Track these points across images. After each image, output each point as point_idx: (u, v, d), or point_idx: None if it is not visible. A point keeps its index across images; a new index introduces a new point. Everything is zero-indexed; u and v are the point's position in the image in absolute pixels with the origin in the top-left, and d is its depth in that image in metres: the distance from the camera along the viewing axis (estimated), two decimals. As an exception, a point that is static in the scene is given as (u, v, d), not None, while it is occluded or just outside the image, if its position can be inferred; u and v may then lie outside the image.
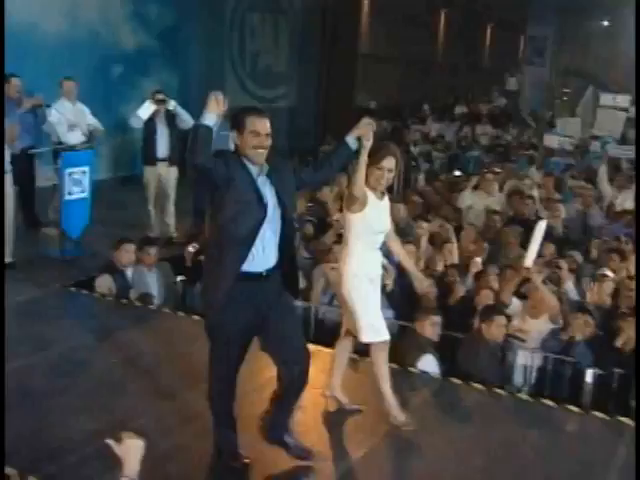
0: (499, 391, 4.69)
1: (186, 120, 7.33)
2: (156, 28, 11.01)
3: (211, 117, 3.11)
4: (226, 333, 3.31)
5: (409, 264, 4.30)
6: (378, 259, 4.03)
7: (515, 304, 5.52)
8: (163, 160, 7.43)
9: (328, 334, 5.61)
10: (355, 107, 16.75)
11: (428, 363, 4.94)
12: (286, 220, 3.34)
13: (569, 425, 4.39)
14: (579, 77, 16.10)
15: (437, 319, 5.06)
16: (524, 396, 4.75)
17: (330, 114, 15.10)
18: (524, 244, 6.90)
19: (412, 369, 4.82)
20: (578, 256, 6.72)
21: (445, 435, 4.05)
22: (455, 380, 4.73)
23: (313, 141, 13.76)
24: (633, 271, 5.93)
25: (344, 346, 4.19)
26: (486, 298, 5.48)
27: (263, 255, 3.28)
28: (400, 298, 5.70)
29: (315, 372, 4.24)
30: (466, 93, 18.34)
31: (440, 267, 6.16)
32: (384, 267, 4.43)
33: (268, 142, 3.24)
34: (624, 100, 10.65)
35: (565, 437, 4.23)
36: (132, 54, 10.68)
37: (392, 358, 4.88)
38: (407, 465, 3.82)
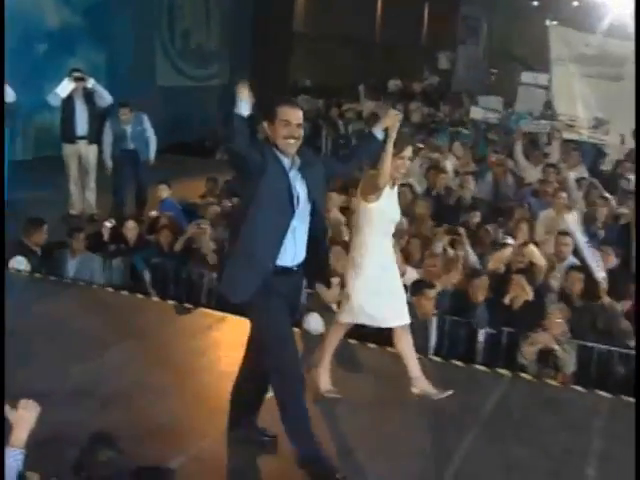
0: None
1: (105, 98, 7.41)
2: (81, 5, 10.91)
3: (245, 106, 3.08)
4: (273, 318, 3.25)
5: None
6: (390, 246, 4.12)
7: (410, 273, 5.79)
8: (82, 138, 7.50)
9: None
10: (290, 85, 16.94)
11: (313, 321, 5.18)
12: (316, 214, 3.31)
13: (457, 377, 4.70)
14: (507, 57, 16.56)
15: (335, 280, 5.30)
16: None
17: (265, 93, 15.22)
18: (435, 217, 7.31)
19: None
20: (489, 226, 7.04)
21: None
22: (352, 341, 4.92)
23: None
24: (527, 238, 6.31)
25: (338, 334, 4.21)
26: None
27: (294, 249, 3.25)
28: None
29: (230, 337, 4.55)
30: (400, 71, 18.61)
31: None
32: None
33: (300, 132, 3.22)
34: (544, 79, 11.01)
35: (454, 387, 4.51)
36: (57, 32, 10.57)
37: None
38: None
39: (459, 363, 4.94)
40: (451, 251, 5.97)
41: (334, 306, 5.06)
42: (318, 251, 3.38)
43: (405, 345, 4.14)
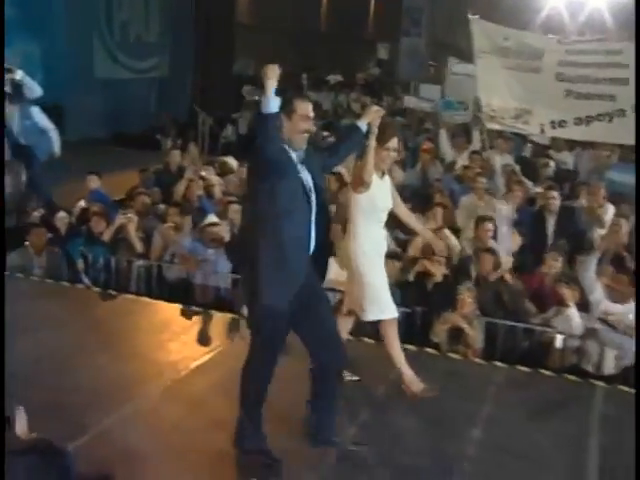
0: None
1: (34, 90, 7.43)
2: (15, -5, 10.82)
3: (276, 102, 3.02)
4: (276, 325, 3.27)
5: (420, 228, 4.56)
6: (383, 235, 4.20)
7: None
8: (11, 130, 7.51)
9: (168, 290, 6.09)
10: (234, 76, 17.03)
11: None
12: (322, 205, 3.36)
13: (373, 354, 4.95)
14: (446, 48, 16.91)
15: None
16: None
17: (208, 84, 15.30)
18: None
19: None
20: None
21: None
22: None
23: (188, 112, 13.91)
24: (441, 223, 6.63)
25: (343, 326, 4.23)
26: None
27: (311, 242, 3.32)
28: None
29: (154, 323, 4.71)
30: (344, 62, 18.87)
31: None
32: None
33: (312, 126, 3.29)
34: (475, 69, 11.27)
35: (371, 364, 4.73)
36: (-11, 23, 10.47)
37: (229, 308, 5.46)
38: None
39: (370, 341, 5.21)
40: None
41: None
42: (324, 240, 3.61)
43: (391, 338, 4.23)
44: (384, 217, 4.15)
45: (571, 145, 9.98)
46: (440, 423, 3.96)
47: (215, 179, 7.80)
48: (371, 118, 3.72)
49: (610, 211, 7.38)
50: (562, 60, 8.39)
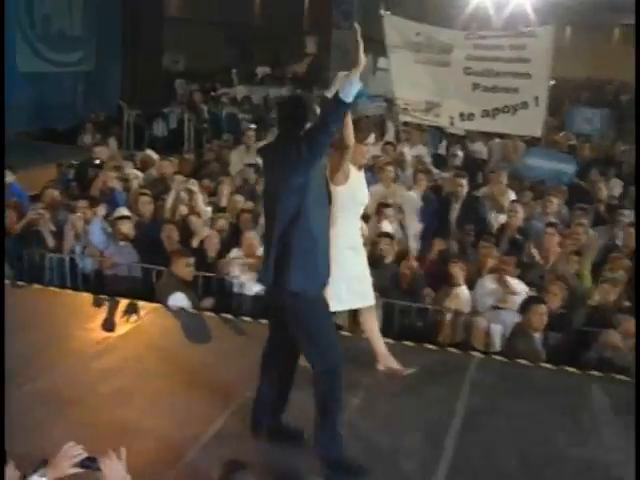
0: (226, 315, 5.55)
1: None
2: None
3: (357, 86, 3.18)
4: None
5: None
6: (358, 228, 4.32)
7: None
8: None
9: (84, 281, 6.25)
10: (164, 70, 17.04)
11: (178, 299, 5.64)
12: None
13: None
14: (373, 42, 17.22)
15: (190, 260, 5.77)
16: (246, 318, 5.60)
17: (137, 78, 15.27)
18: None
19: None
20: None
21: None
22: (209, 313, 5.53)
23: (117, 106, 13.88)
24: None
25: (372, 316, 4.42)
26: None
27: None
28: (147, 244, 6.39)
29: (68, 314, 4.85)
30: (274, 55, 19.06)
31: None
32: None
33: None
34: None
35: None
36: None
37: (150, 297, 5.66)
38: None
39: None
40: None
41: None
42: None
43: (371, 325, 4.43)
44: (361, 209, 4.29)
45: (490, 136, 10.46)
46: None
47: (132, 173, 7.94)
48: (340, 84, 3.73)
49: (510, 197, 7.84)
50: (470, 55, 8.80)
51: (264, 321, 5.41)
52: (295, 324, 3.46)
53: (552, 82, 8.88)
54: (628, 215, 7.70)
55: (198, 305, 5.70)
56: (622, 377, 4.73)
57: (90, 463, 2.40)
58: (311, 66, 18.90)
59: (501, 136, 10.22)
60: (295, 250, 3.35)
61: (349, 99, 3.19)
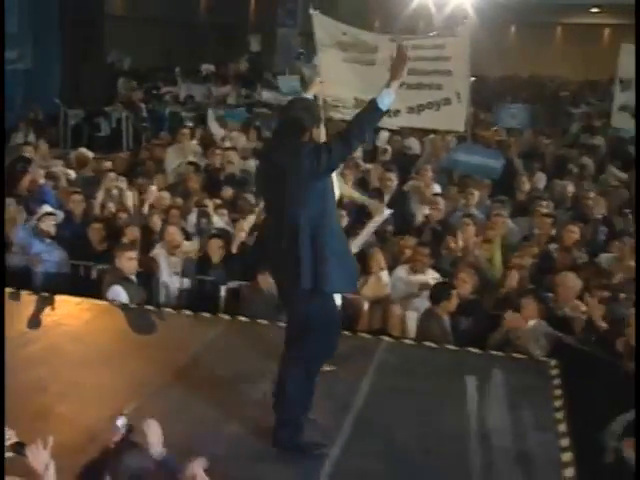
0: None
1: None
2: None
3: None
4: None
5: None
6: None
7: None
8: None
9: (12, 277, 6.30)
10: (107, 69, 16.98)
11: (116, 293, 5.75)
12: None
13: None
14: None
15: (133, 254, 5.87)
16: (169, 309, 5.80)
17: (78, 76, 15.17)
18: (207, 189, 8.04)
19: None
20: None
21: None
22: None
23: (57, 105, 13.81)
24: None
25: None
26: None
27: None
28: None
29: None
30: (217, 54, 19.15)
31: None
32: None
33: None
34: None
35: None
36: None
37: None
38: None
39: (207, 314, 5.68)
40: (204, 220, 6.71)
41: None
42: None
43: None
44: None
45: (427, 132, 10.78)
46: (242, 378, 4.52)
47: (61, 171, 8.00)
48: (316, 90, 4.00)
49: (435, 190, 8.16)
50: (393, 55, 9.04)
51: (188, 312, 5.71)
52: (314, 321, 3.61)
53: (473, 78, 9.21)
54: (547, 206, 8.10)
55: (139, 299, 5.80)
56: (522, 356, 5.04)
57: (20, 449, 2.53)
58: (255, 64, 19.04)
59: (435, 132, 10.54)
60: (329, 252, 3.48)
61: (385, 108, 3.43)
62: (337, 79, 9.34)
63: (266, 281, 5.50)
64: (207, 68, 17.75)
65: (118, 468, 2.46)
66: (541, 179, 9.59)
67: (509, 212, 7.91)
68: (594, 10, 29.12)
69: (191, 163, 8.61)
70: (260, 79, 17.30)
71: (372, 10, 26.29)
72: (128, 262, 5.80)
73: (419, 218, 7.64)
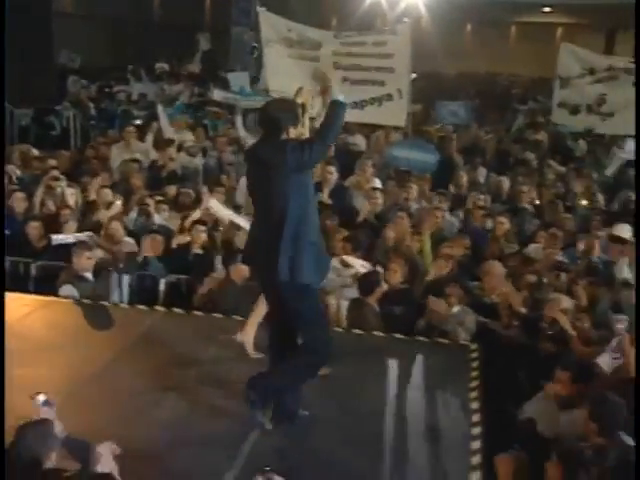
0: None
1: None
2: None
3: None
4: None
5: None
6: None
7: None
8: None
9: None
10: (59, 68, 16.84)
11: (68, 290, 5.85)
12: None
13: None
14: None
15: (90, 254, 5.93)
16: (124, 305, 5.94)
17: (28, 75, 15.01)
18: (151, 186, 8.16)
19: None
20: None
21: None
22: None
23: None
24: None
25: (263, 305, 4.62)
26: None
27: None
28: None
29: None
30: (171, 53, 19.12)
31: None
32: None
33: None
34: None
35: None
36: None
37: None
38: None
39: (143, 307, 5.81)
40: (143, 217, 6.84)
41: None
42: None
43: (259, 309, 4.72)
44: None
45: (374, 128, 10.99)
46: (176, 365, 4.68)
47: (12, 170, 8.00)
48: (304, 98, 4.07)
49: (375, 184, 8.36)
50: (337, 51, 9.26)
51: (125, 305, 5.84)
52: (295, 314, 3.83)
53: (414, 75, 9.44)
54: (484, 199, 8.39)
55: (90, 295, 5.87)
56: (445, 341, 5.26)
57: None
58: (209, 63, 19.05)
59: (383, 128, 10.76)
60: (306, 245, 3.67)
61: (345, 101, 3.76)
62: (283, 74, 9.52)
63: (239, 274, 5.71)
64: (161, 67, 17.71)
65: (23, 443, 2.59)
66: (482, 173, 9.88)
67: (448, 205, 8.17)
68: (546, 9, 29.70)
69: (133, 160, 8.68)
70: (214, 78, 17.32)
71: (328, 8, 26.52)
72: (87, 261, 5.88)
73: (362, 212, 7.82)
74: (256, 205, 3.96)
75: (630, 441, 3.30)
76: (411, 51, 8.84)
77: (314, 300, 3.92)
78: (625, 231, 6.65)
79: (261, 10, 9.58)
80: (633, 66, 10.31)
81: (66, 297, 5.77)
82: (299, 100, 4.06)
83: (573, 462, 3.25)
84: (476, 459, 3.78)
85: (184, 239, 6.41)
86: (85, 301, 5.76)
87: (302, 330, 3.95)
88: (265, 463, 2.89)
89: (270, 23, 9.55)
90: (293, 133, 3.79)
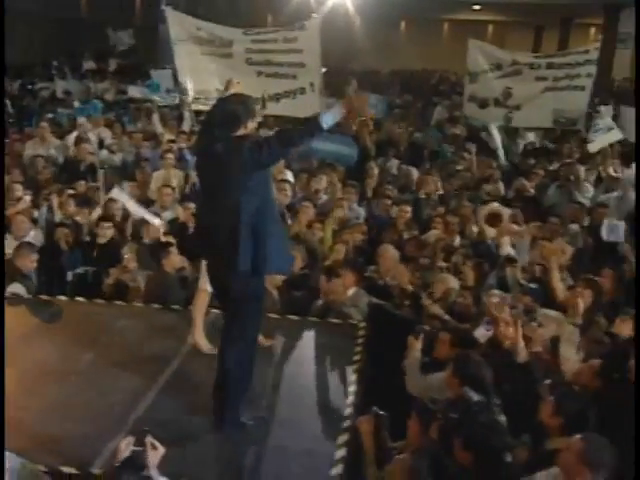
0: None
1: None
2: None
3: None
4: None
5: None
6: None
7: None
8: None
9: None
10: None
11: (16, 288, 5.83)
12: None
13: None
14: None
15: (34, 257, 5.98)
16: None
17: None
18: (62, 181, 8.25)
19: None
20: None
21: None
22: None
23: None
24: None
25: (203, 300, 4.82)
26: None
27: None
28: None
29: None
30: (97, 49, 19.01)
31: None
32: None
33: None
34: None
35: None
36: None
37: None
38: None
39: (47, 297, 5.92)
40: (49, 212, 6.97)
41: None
42: None
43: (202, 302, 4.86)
44: None
45: (290, 121, 11.21)
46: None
47: None
48: (236, 89, 4.16)
49: (286, 176, 8.63)
50: (249, 48, 9.53)
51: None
52: (246, 305, 3.90)
53: (324, 69, 9.73)
54: (391, 190, 8.76)
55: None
56: (337, 321, 5.56)
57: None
58: (136, 60, 19.02)
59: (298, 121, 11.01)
60: (268, 236, 3.75)
61: (326, 126, 3.68)
62: (197, 72, 9.71)
63: (171, 265, 5.89)
64: (87, 64, 17.60)
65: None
66: (394, 165, 10.27)
67: (358, 195, 8.51)
68: (476, 7, 30.39)
69: (40, 156, 8.76)
70: (140, 75, 17.30)
71: (264, 6, 26.65)
72: (30, 263, 5.93)
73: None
74: (207, 197, 3.97)
75: (475, 396, 3.63)
76: (320, 46, 9.14)
77: (262, 283, 4.06)
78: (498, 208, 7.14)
79: (167, 9, 9.71)
80: (535, 60, 10.88)
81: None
82: (231, 91, 4.21)
83: (427, 416, 3.57)
84: (346, 423, 4.08)
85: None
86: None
87: (248, 310, 3.98)
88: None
89: (178, 22, 9.71)
90: (250, 127, 3.84)
